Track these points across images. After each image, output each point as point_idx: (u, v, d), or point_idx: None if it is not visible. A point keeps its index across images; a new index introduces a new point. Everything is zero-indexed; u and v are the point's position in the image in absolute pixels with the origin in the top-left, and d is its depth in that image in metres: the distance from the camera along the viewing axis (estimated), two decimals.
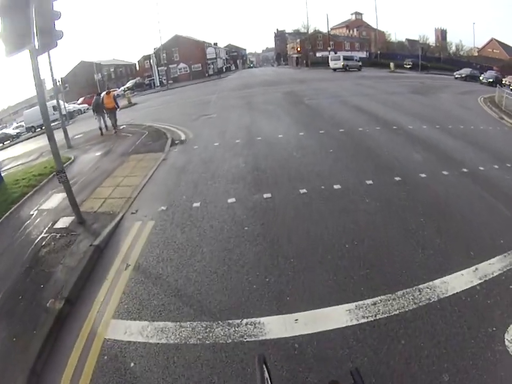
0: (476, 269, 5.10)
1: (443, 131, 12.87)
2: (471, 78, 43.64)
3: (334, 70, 51.61)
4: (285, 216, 6.62)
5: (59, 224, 7.26)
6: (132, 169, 10.43)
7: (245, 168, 9.40)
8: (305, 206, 6.98)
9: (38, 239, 6.77)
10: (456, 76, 45.01)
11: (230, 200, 7.44)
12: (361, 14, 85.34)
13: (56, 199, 8.66)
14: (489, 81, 38.68)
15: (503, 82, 39.27)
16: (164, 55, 64.18)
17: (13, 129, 37.88)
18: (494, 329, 4.01)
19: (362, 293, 4.57)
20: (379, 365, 3.59)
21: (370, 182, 7.90)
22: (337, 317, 4.23)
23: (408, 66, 57.15)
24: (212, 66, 73.78)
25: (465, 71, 45.74)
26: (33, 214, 8.10)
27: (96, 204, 8.08)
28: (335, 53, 61.31)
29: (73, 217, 7.29)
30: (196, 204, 7.44)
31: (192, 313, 4.51)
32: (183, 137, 14.18)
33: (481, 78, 41.98)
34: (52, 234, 6.88)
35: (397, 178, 8.07)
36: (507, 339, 3.85)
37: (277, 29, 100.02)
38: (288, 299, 4.55)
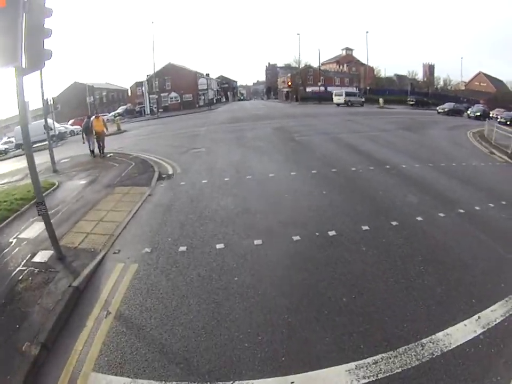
0: (479, 317, 4.96)
1: (435, 169, 12.96)
2: (454, 112, 44.16)
3: (338, 105, 53.57)
4: (277, 266, 6.30)
5: (38, 258, 6.87)
6: (116, 203, 10.11)
7: (234, 209, 9.10)
8: (299, 254, 6.68)
9: (16, 272, 6.39)
10: (439, 111, 45.39)
11: (218, 246, 7.09)
12: (351, 50, 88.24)
13: (37, 227, 8.27)
14: (477, 115, 40.09)
15: (491, 115, 40.12)
16: (156, 82, 64.69)
17: (1, 144, 37.27)
18: (499, 378, 3.93)
19: (362, 351, 4.29)
20: None
21: (366, 227, 7.70)
22: (336, 378, 3.95)
23: (412, 103, 59.46)
24: (203, 97, 74.93)
25: (448, 105, 46.18)
26: (12, 242, 7.74)
27: (77, 238, 7.71)
28: (325, 89, 63.44)
29: (52, 252, 6.91)
30: (182, 248, 7.07)
31: (178, 372, 4.14)
32: (170, 171, 13.89)
33: (468, 112, 43.04)
34: (30, 268, 6.49)
35: (394, 223, 7.92)
36: None
37: (269, 63, 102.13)
38: (283, 359, 4.22)
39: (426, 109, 52.85)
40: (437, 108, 46.88)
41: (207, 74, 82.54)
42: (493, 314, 5.02)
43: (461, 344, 4.45)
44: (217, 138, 22.45)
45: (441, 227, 7.83)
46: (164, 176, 13.11)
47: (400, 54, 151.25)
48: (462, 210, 8.66)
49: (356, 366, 4.12)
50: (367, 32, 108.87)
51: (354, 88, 70.39)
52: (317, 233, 7.49)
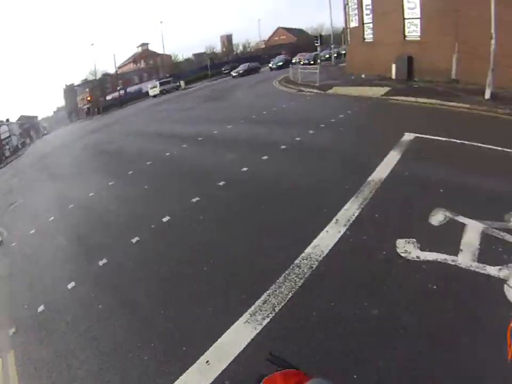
0: (337, 220, 5.59)
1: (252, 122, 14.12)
2: (250, 71, 44.05)
3: (154, 96, 50.79)
4: None
5: None
6: None
7: None
8: None
9: None
10: (234, 75, 44.80)
11: (70, 286, 6.47)
12: (147, 44, 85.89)
13: None
14: (279, 65, 42.61)
15: (293, 61, 43.48)
16: None
17: None
18: (384, 253, 4.59)
19: (246, 301, 4.52)
20: None
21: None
22: (241, 333, 3.99)
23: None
24: (8, 146, 66.29)
25: (242, 67, 45.45)
26: None
27: None
28: (125, 91, 61.69)
29: None
30: (41, 308, 6.22)
31: None
32: None
33: (270, 65, 45.28)
34: None
35: None
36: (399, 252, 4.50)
37: (66, 85, 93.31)
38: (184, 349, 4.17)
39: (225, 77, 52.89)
40: (232, 73, 46.81)
41: (7, 120, 72.29)
42: (348, 212, 5.75)
43: (333, 247, 4.98)
44: None
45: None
46: None
47: (198, 34, 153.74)
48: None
49: (250, 313, 4.21)
50: (161, 22, 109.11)
51: (168, 76, 69.66)
52: None
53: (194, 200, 7.94)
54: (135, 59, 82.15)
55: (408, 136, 8.61)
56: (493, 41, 11.23)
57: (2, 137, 63.57)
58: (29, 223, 11.35)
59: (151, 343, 4.36)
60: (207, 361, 3.79)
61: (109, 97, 67.32)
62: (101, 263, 6.74)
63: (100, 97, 68.51)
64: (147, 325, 4.70)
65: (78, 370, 4.52)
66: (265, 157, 9.42)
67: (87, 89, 71.15)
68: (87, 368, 4.48)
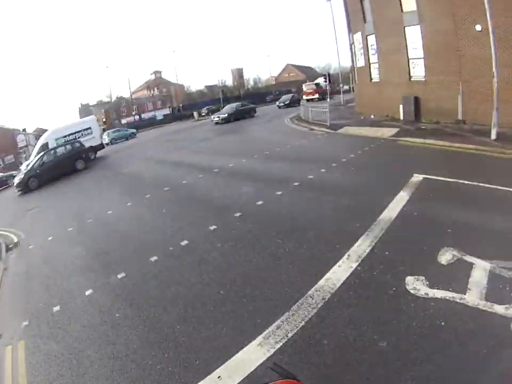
0: (349, 255, 5.81)
1: (266, 158, 14.54)
2: (243, 113, 35.67)
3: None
4: None
5: None
6: None
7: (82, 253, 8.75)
8: None
9: None
10: (215, 120, 35.02)
11: (87, 292, 6.75)
12: (160, 72, 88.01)
13: None
14: (286, 104, 42.33)
15: (303, 97, 44.42)
16: None
17: None
18: (394, 289, 4.79)
19: (261, 325, 4.68)
20: None
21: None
22: (253, 355, 4.16)
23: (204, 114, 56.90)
24: (24, 155, 66.95)
25: (230, 109, 35.80)
26: None
27: None
28: (140, 117, 62.49)
29: None
30: (56, 308, 6.54)
31: None
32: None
33: (277, 103, 44.66)
34: None
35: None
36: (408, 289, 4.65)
37: (81, 103, 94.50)
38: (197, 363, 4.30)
39: None
40: (212, 118, 37.13)
41: (24, 130, 73.44)
42: (360, 248, 5.97)
43: (345, 280, 5.19)
44: None
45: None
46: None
47: (209, 66, 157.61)
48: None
49: (264, 337, 4.40)
50: (173, 51, 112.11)
51: (165, 110, 70.63)
52: None
53: (211, 228, 8.22)
54: (148, 86, 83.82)
55: (417, 177, 8.87)
56: (495, 80, 11.46)
57: (19, 146, 64.55)
58: (46, 230, 11.72)
59: (165, 354, 4.56)
60: (219, 377, 3.97)
61: (124, 121, 68.38)
62: (119, 276, 7.03)
63: (115, 119, 69.67)
64: (162, 337, 4.90)
65: (88, 368, 4.72)
66: (279, 192, 9.72)
67: (103, 111, 72.40)
68: (98, 368, 4.68)
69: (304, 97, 48.81)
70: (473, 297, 4.36)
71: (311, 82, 56.97)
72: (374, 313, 4.41)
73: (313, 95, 48.94)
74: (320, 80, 53.76)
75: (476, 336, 3.80)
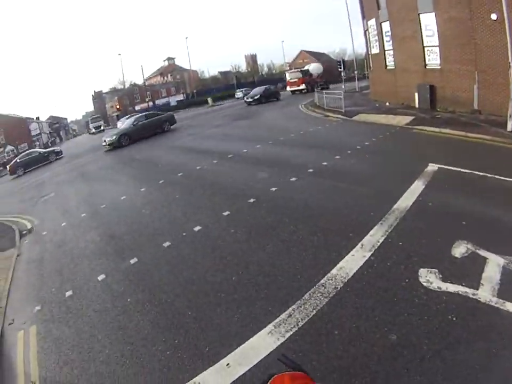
0: (362, 244, 5.76)
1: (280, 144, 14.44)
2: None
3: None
4: None
5: None
6: None
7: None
8: None
9: None
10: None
11: (100, 277, 6.85)
12: (173, 59, 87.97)
13: None
14: (256, 99, 37.36)
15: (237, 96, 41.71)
16: None
17: None
18: (407, 280, 4.74)
19: (272, 312, 4.68)
20: None
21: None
22: (263, 343, 4.17)
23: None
24: (38, 143, 67.80)
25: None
26: None
27: None
28: (154, 103, 62.31)
29: None
30: (69, 293, 6.65)
31: None
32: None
33: (245, 99, 40.54)
34: None
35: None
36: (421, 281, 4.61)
37: (94, 91, 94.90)
38: (207, 350, 4.34)
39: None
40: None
41: (37, 118, 74.15)
42: (373, 237, 5.93)
43: (358, 270, 5.15)
44: None
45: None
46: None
47: (222, 51, 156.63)
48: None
49: (274, 325, 4.41)
50: (186, 38, 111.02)
51: (178, 96, 70.34)
52: None
53: (225, 213, 8.24)
54: (162, 72, 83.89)
55: (432, 167, 8.75)
56: (511, 71, 11.22)
57: (32, 134, 65.47)
58: (60, 216, 11.88)
59: (175, 340, 4.61)
60: (228, 364, 4.01)
61: (137, 107, 68.76)
62: (131, 261, 7.10)
63: (129, 106, 70.08)
64: (173, 323, 4.96)
65: (98, 353, 4.80)
66: (293, 179, 9.67)
67: (116, 98, 72.86)
68: (108, 353, 4.76)
69: (288, 88, 43.97)
70: (485, 293, 4.30)
71: (297, 69, 48.47)
72: (385, 305, 4.38)
73: (298, 85, 42.46)
74: (314, 67, 47.54)
75: (487, 333, 3.75)
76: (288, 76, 44.91)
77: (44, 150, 35.01)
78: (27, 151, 34.94)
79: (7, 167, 30.86)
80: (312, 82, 42.37)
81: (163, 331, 4.85)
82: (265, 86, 40.44)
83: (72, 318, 5.85)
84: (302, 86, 41.82)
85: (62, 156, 33.62)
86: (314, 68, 44.95)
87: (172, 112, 34.11)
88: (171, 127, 28.82)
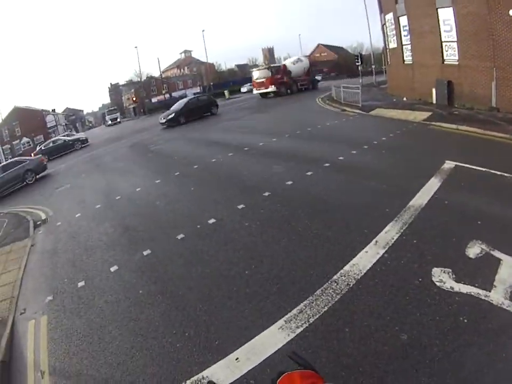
0: (376, 241, 5.72)
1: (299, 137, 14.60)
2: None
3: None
4: None
5: None
6: (4, 265, 9.02)
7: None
8: None
9: None
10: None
11: (112, 269, 6.95)
12: (190, 51, 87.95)
13: None
14: (170, 119, 29.08)
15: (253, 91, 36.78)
16: (6, 131, 58.42)
17: None
18: (420, 280, 4.69)
19: (284, 308, 4.69)
20: None
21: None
22: (273, 338, 4.18)
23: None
24: (54, 135, 69.07)
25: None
26: None
27: None
28: (170, 95, 61.77)
29: None
30: (81, 283, 6.77)
31: None
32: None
33: (159, 120, 31.75)
34: None
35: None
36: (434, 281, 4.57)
37: (110, 83, 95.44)
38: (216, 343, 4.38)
39: None
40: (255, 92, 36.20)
41: (53, 110, 75.27)
42: (388, 235, 5.89)
43: (371, 267, 5.13)
44: None
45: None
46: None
47: (239, 45, 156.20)
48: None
49: (285, 320, 4.42)
50: (203, 30, 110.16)
51: (195, 89, 70.36)
52: None
53: (239, 207, 8.29)
54: (179, 65, 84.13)
55: (448, 164, 8.62)
56: None
57: (48, 126, 66.42)
58: (75, 207, 12.08)
59: (185, 332, 4.66)
60: (237, 359, 4.03)
61: (154, 100, 69.11)
62: (145, 253, 7.19)
63: (146, 98, 70.47)
64: (184, 316, 5.00)
65: (109, 344, 4.87)
66: (309, 173, 9.66)
67: (133, 90, 73.28)
68: (118, 344, 4.83)
69: (255, 90, 36.84)
70: (498, 295, 4.23)
71: (265, 66, 39.75)
72: (397, 304, 4.35)
73: (267, 87, 34.09)
74: (294, 62, 37.27)
75: (498, 337, 3.69)
76: (254, 75, 36.80)
77: (68, 138, 35.93)
78: (52, 139, 36.42)
79: (31, 154, 31.11)
80: (289, 82, 35.12)
81: (173, 323, 4.90)
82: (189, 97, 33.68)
83: (83, 309, 5.94)
84: (271, 88, 33.85)
85: (87, 143, 34.29)
86: (295, 63, 36.25)
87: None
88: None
